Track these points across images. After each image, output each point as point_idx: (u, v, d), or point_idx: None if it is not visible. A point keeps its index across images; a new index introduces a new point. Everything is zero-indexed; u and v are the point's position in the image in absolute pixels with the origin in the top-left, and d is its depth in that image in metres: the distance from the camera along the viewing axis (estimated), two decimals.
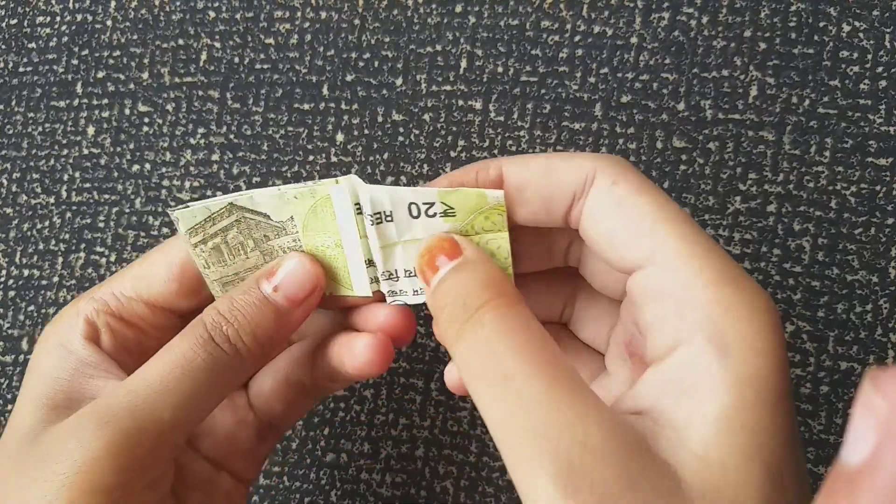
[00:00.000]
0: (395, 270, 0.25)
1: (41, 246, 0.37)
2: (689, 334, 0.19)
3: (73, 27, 0.38)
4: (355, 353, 0.25)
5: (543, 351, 0.19)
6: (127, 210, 0.37)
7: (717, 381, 0.18)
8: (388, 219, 0.24)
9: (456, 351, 0.21)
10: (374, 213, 0.24)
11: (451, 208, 0.23)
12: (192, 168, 0.36)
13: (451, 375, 0.24)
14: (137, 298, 0.26)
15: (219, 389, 0.24)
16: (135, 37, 0.38)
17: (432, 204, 0.23)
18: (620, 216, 0.20)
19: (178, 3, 0.37)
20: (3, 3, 0.39)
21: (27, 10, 0.39)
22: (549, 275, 0.26)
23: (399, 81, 0.35)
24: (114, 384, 0.24)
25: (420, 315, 0.33)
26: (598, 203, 0.21)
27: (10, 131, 0.38)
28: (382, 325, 0.26)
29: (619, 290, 0.24)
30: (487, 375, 0.19)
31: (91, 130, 0.38)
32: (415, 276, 0.24)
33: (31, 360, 0.25)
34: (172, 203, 0.36)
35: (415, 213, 0.23)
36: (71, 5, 0.38)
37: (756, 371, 0.18)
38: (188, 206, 0.25)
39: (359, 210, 0.24)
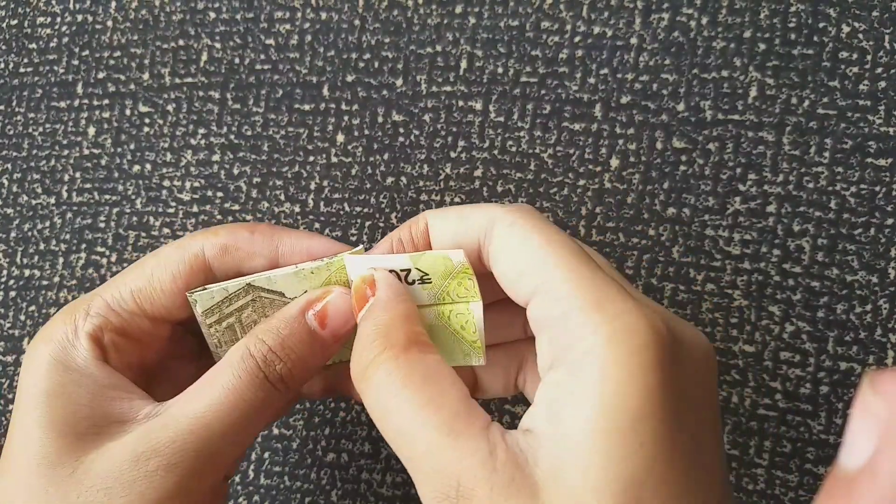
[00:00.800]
0: None
1: (42, 246, 0.37)
2: (558, 360, 0.20)
3: (74, 28, 0.38)
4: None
5: (428, 399, 0.20)
6: (128, 210, 0.37)
7: (575, 406, 0.19)
8: None
9: (361, 393, 0.22)
10: None
11: (426, 274, 0.24)
12: (192, 168, 0.36)
13: None
14: (140, 313, 0.25)
15: (267, 421, 0.24)
16: (135, 37, 0.38)
17: (409, 271, 0.24)
18: (515, 253, 0.21)
19: (178, 4, 0.37)
20: (4, 3, 0.39)
21: (28, 10, 0.39)
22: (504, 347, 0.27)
23: (399, 82, 0.35)
24: (145, 407, 0.23)
25: None
26: (498, 244, 0.22)
27: (11, 132, 0.38)
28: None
29: None
30: (382, 427, 0.21)
31: (92, 131, 0.38)
32: None
33: (26, 380, 0.24)
34: (173, 203, 0.36)
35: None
36: (71, 6, 0.38)
37: (611, 395, 0.18)
38: (207, 289, 0.25)
39: None
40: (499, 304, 0.25)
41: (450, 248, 0.23)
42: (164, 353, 0.26)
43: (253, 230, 0.25)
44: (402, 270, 0.24)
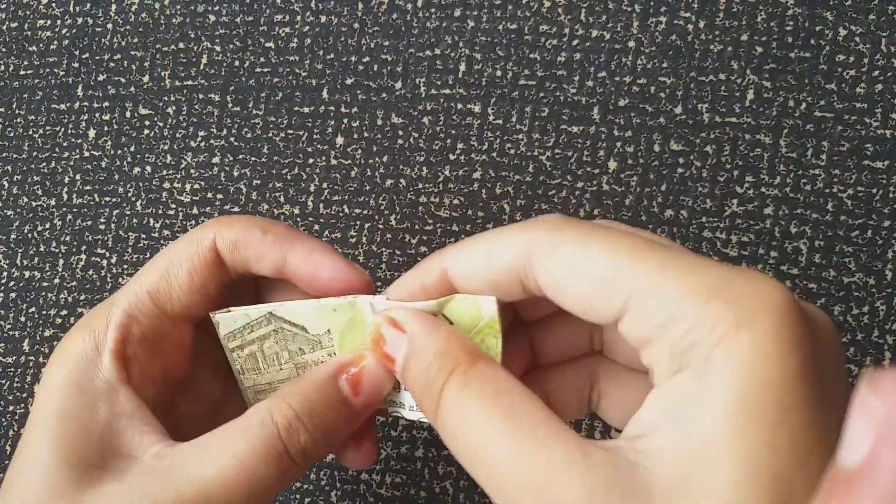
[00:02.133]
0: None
1: (42, 248, 0.38)
2: (682, 365, 0.18)
3: (74, 30, 0.38)
4: (346, 458, 0.25)
5: (504, 412, 0.19)
6: (128, 212, 0.37)
7: (707, 403, 0.17)
8: None
9: (436, 425, 0.20)
10: None
11: (452, 322, 0.22)
12: (192, 171, 0.37)
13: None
14: (160, 315, 0.24)
15: (282, 487, 0.22)
16: (135, 40, 0.38)
17: (436, 315, 0.22)
18: (580, 278, 0.19)
19: (178, 7, 0.37)
20: (4, 6, 0.39)
21: (28, 13, 0.39)
22: (570, 366, 0.25)
23: (398, 85, 0.35)
24: (157, 443, 0.22)
25: None
26: (553, 273, 0.19)
27: (11, 134, 0.39)
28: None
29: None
30: (456, 447, 0.19)
31: (92, 133, 0.38)
32: None
33: (43, 399, 0.23)
34: (173, 205, 0.36)
35: None
36: (72, 8, 0.39)
37: (750, 385, 0.16)
38: (229, 311, 0.24)
39: None
40: (554, 319, 0.24)
41: (480, 294, 0.21)
42: (188, 364, 0.25)
43: (267, 230, 0.24)
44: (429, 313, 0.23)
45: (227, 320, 0.24)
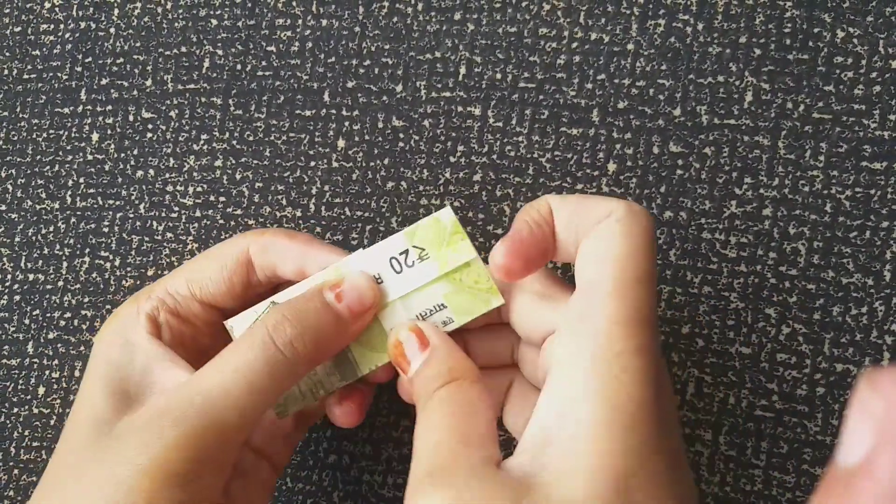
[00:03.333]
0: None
1: (46, 251, 0.38)
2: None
3: (77, 34, 0.39)
4: (333, 414, 0.30)
5: (466, 428, 0.23)
6: (131, 215, 0.37)
7: (576, 411, 0.21)
8: (380, 281, 0.27)
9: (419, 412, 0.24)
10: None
11: (423, 249, 0.26)
12: (195, 174, 0.37)
13: (402, 388, 0.28)
14: (192, 297, 0.29)
15: (277, 390, 0.26)
16: (138, 44, 0.38)
17: (407, 252, 0.26)
18: (595, 250, 0.23)
19: (180, 11, 0.38)
20: (8, 10, 0.40)
21: (31, 17, 0.39)
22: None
23: (399, 88, 0.35)
24: (182, 375, 0.27)
25: None
26: (594, 236, 0.23)
27: (15, 137, 0.39)
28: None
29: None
30: (417, 434, 0.24)
31: (95, 137, 0.38)
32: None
33: (96, 351, 0.28)
34: (176, 208, 0.37)
35: (397, 268, 0.27)
36: (75, 13, 0.39)
37: (611, 406, 0.21)
38: (240, 315, 0.28)
39: (378, 279, 0.27)
40: (485, 329, 0.28)
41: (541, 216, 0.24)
42: (218, 340, 0.29)
43: (293, 238, 0.28)
44: (400, 254, 0.27)
45: (239, 321, 0.28)
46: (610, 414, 0.20)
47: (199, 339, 0.30)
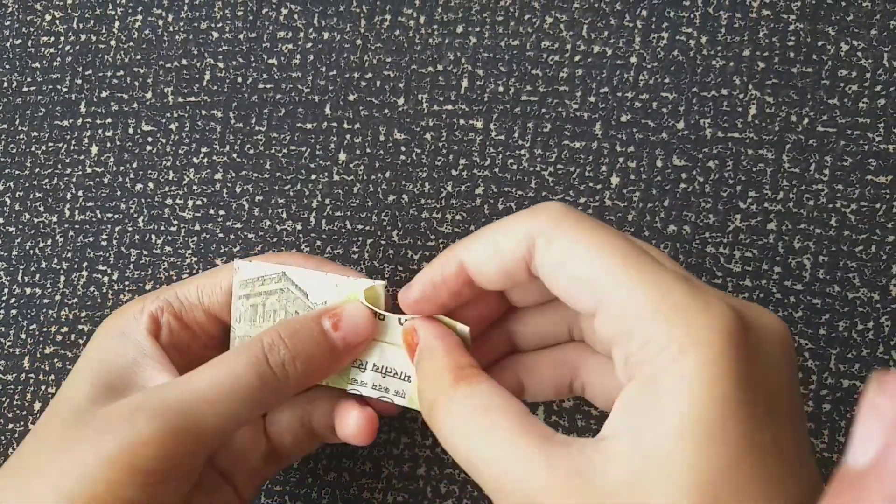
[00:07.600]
0: (366, 363, 0.28)
1: (43, 264, 0.38)
2: (634, 375, 0.20)
3: (77, 47, 0.39)
4: (348, 423, 0.28)
5: (493, 423, 0.22)
6: (130, 229, 0.37)
7: (655, 421, 0.19)
8: (381, 318, 0.27)
9: (433, 425, 0.24)
10: None
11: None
12: (195, 187, 0.37)
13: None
14: (199, 305, 0.29)
15: (260, 406, 0.26)
16: (138, 57, 0.38)
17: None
18: (567, 270, 0.22)
19: (181, 24, 0.38)
20: (8, 22, 0.40)
21: (32, 30, 0.39)
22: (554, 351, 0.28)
23: (401, 101, 0.35)
24: (167, 379, 0.26)
25: None
26: (545, 263, 0.22)
27: (14, 150, 0.39)
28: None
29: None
30: (457, 456, 0.23)
31: (94, 149, 0.38)
32: (379, 372, 0.28)
33: (92, 342, 0.28)
34: (175, 222, 0.36)
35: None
36: (75, 25, 0.39)
37: (690, 408, 0.19)
38: (251, 261, 0.28)
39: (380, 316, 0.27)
40: (541, 306, 0.27)
41: (490, 286, 0.24)
42: (212, 354, 0.28)
43: (307, 260, 0.29)
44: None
45: (246, 268, 0.28)
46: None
47: (194, 347, 0.29)
